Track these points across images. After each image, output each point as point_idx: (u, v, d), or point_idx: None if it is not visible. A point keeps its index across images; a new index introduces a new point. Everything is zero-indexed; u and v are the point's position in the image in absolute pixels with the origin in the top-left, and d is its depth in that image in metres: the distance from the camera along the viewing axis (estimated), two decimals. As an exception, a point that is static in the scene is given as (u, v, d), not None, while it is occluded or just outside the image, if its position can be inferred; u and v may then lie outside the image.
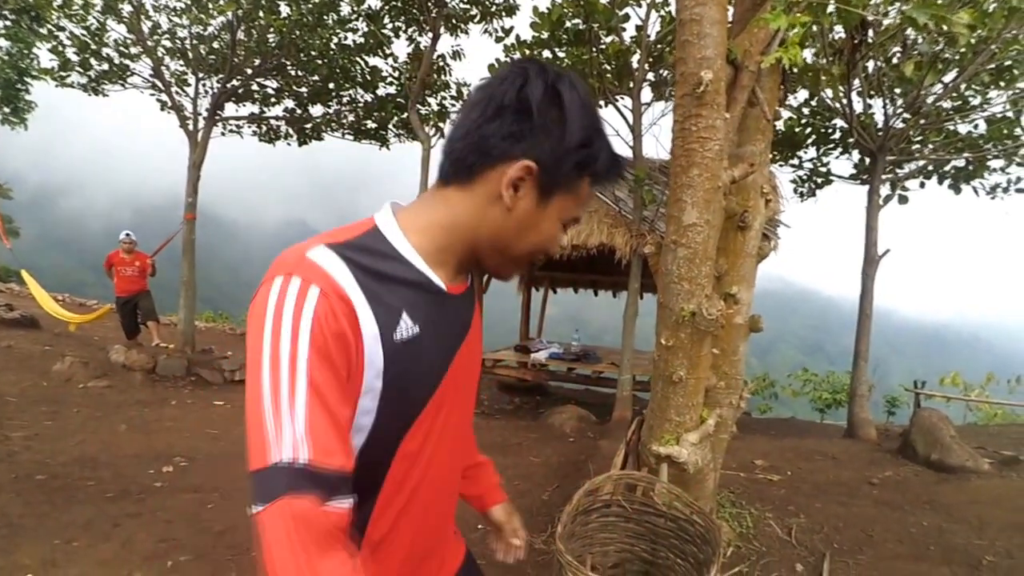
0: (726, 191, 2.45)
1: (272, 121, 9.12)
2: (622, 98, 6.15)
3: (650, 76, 6.11)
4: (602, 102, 6.23)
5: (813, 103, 7.00)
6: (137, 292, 8.23)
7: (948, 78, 5.94)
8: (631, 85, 5.94)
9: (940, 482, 4.34)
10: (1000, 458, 5.05)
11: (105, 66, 7.83)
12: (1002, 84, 6.12)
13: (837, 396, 11.01)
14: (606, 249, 6.42)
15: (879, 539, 3.34)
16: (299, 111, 8.98)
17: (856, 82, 5.90)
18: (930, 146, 6.94)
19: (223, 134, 8.95)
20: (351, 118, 9.05)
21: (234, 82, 8.19)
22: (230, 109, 8.72)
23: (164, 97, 8.25)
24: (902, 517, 3.65)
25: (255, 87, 8.58)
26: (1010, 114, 6.42)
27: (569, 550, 2.08)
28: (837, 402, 10.95)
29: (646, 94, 6.11)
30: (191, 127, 8.26)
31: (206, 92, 8.34)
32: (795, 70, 2.91)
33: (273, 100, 8.84)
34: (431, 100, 8.78)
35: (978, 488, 4.15)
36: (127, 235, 8.09)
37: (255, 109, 8.92)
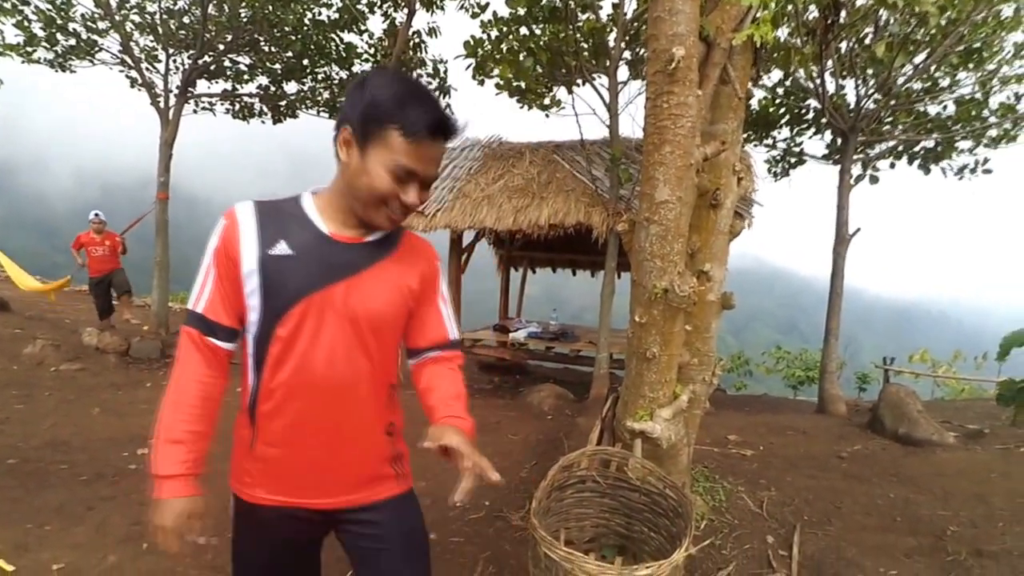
0: (698, 169, 2.47)
1: (245, 98, 8.89)
2: (599, 76, 6.10)
3: (627, 55, 6.08)
4: (579, 80, 6.19)
5: (787, 83, 7.03)
6: (110, 271, 8.21)
7: (919, 59, 6.00)
8: (607, 64, 5.91)
9: (907, 455, 4.44)
10: (965, 431, 5.19)
11: (72, 41, 7.54)
12: (971, 66, 6.20)
13: (809, 373, 11.22)
14: (583, 228, 6.41)
15: (847, 511, 3.42)
16: (273, 88, 8.76)
17: (829, 63, 5.93)
18: (900, 127, 7.02)
19: (195, 112, 8.69)
20: (326, 95, 8.83)
21: (206, 58, 7.97)
22: (202, 86, 8.48)
23: (134, 74, 7.99)
24: (869, 489, 3.74)
25: (227, 63, 8.34)
26: (979, 96, 6.51)
27: (544, 526, 2.10)
28: (809, 379, 11.16)
29: (623, 72, 6.08)
30: (162, 104, 8.04)
31: (177, 68, 8.11)
32: (767, 48, 2.91)
33: (246, 77, 8.59)
34: None
35: (943, 461, 4.25)
36: (96, 215, 8.06)
37: (228, 86, 8.68)
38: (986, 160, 7.20)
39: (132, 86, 8.17)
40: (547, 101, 6.62)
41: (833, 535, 3.13)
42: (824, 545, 3.01)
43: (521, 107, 6.68)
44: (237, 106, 8.97)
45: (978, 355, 10.89)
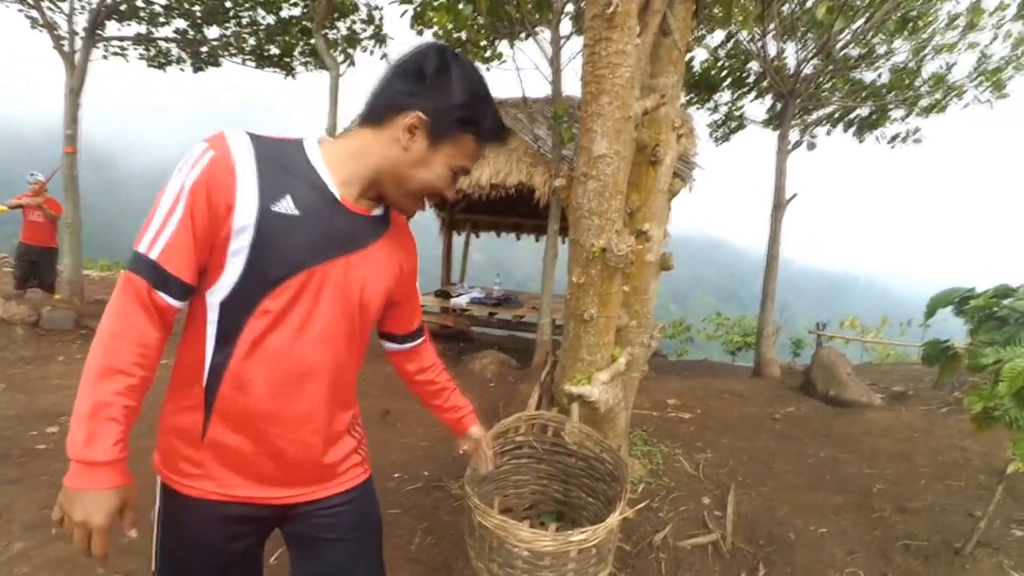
0: (637, 122, 2.34)
1: (161, 43, 8.07)
2: (542, 30, 5.87)
3: (570, 7, 5.85)
4: (522, 35, 5.95)
5: (729, 45, 7.00)
6: (43, 247, 7.24)
7: (857, 25, 6.05)
8: (550, 17, 5.68)
9: (837, 416, 4.58)
10: (891, 393, 5.41)
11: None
12: (906, 33, 6.30)
13: (747, 339, 11.47)
14: (525, 188, 6.23)
15: (779, 471, 3.47)
16: (192, 33, 7.97)
17: (771, 25, 5.91)
18: (838, 94, 7.13)
19: (105, 57, 7.89)
20: (252, 42, 8.14)
21: (115, -4, 7.15)
22: (113, 29, 7.63)
23: (34, 13, 7.12)
24: (801, 449, 3.82)
25: (140, 3, 7.51)
26: (912, 65, 6.65)
27: (479, 494, 2.01)
28: (747, 344, 11.41)
29: (566, 27, 5.83)
30: (67, 48, 7.19)
31: (83, 8, 7.24)
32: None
33: (162, 19, 7.78)
34: (340, 24, 7.95)
35: (870, 421, 4.40)
36: (33, 176, 7.09)
37: (142, 29, 7.84)
38: (917, 129, 7.42)
39: (33, 27, 7.29)
40: (488, 54, 6.35)
41: (766, 495, 3.17)
42: (758, 505, 3.05)
43: (465, 62, 6.39)
44: (152, 51, 8.15)
45: (903, 321, 11.37)
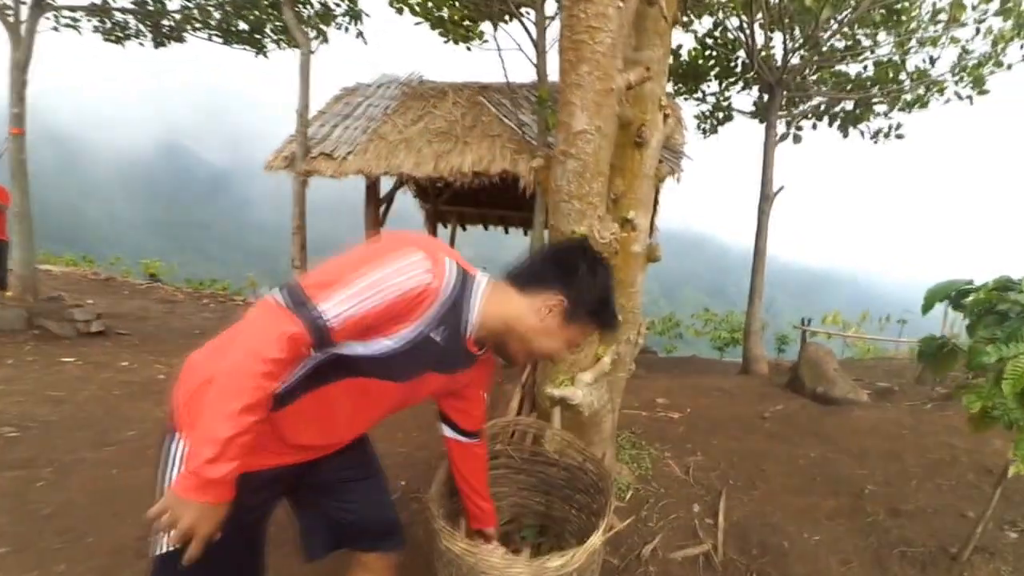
0: (620, 97, 2.14)
1: (118, 15, 7.48)
2: (527, 13, 5.64)
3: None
4: (506, 17, 5.72)
5: (716, 34, 6.87)
6: None
7: (844, 15, 5.95)
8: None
9: (825, 414, 4.45)
10: (876, 388, 5.31)
11: None
12: (890, 25, 6.22)
13: (735, 335, 11.49)
14: (509, 177, 5.97)
15: (771, 473, 3.32)
16: (152, 4, 7.44)
17: (759, 14, 5.79)
18: (820, 87, 7.05)
19: (55, 29, 7.30)
20: (218, 16, 7.61)
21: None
22: None
23: None
24: (791, 450, 3.67)
25: None
26: (896, 58, 6.57)
27: (448, 511, 1.80)
28: (735, 340, 11.43)
29: (551, 7, 5.60)
30: (11, 18, 6.62)
31: None
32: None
33: None
34: (313, 0, 7.54)
35: (858, 418, 4.28)
36: None
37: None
38: (899, 125, 7.35)
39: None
40: (469, 35, 6.11)
41: (758, 499, 3.01)
42: (749, 511, 2.89)
43: (446, 41, 6.13)
44: (108, 24, 7.54)
45: (882, 317, 11.43)
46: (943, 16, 6.15)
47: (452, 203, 9.94)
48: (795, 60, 6.37)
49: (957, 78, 6.51)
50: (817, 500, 3.01)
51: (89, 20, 7.45)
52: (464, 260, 1.33)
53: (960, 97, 6.67)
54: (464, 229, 11.04)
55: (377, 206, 7.50)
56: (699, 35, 7.03)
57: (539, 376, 2.64)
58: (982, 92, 6.55)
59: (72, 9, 7.23)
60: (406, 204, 9.60)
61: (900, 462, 3.48)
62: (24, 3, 6.65)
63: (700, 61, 7.21)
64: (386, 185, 7.68)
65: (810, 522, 2.79)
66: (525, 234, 10.34)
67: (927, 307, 2.30)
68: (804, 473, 3.34)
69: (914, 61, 6.67)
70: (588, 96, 1.97)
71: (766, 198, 6.62)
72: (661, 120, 2.57)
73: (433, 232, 10.28)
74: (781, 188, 6.63)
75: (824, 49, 6.35)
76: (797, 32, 6.29)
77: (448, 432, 1.68)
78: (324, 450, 1.37)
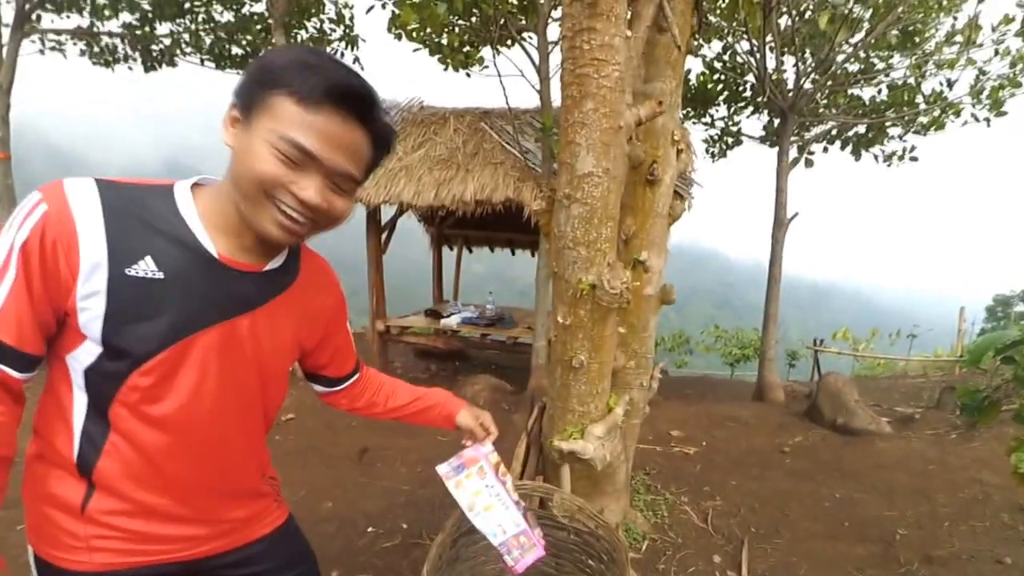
0: (630, 135, 2.01)
1: (106, 38, 7.35)
2: (529, 37, 5.54)
3: (556, 13, 5.54)
4: (508, 42, 5.63)
5: (725, 57, 6.78)
6: None
7: (858, 38, 5.86)
8: (535, 21, 5.35)
9: (846, 446, 4.29)
10: (897, 416, 5.15)
11: None
12: (908, 47, 6.12)
13: (745, 351, 11.42)
14: (513, 205, 5.84)
15: (794, 517, 3.15)
16: (140, 28, 7.26)
17: (769, 37, 5.69)
18: (832, 111, 6.93)
19: (41, 52, 7.16)
20: (208, 40, 7.49)
21: (51, -16, 6.56)
22: (50, 21, 6.98)
23: None
24: (814, 489, 3.50)
25: None
26: (911, 81, 6.45)
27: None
28: (745, 356, 11.37)
29: (553, 31, 5.49)
30: None
31: None
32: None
33: (107, 12, 7.05)
34: (308, 24, 7.43)
35: (882, 451, 4.12)
36: None
37: (85, 23, 7.15)
38: (913, 147, 7.21)
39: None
40: (469, 60, 6.01)
41: (783, 548, 2.85)
42: (774, 562, 2.73)
43: (445, 69, 6.04)
44: (96, 47, 7.43)
45: (892, 332, 11.28)
46: (959, 38, 6.04)
47: (457, 227, 9.80)
48: (807, 85, 6.26)
49: (974, 101, 6.39)
50: (846, 548, 2.85)
51: (75, 43, 7.36)
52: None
53: (977, 119, 6.54)
54: (471, 251, 10.87)
55: (379, 233, 7.37)
56: (707, 59, 6.93)
57: (545, 425, 2.50)
58: (1000, 114, 6.42)
59: (57, 32, 7.13)
60: (410, 226, 9.48)
61: (930, 501, 3.33)
62: (6, 26, 6.56)
63: (708, 86, 7.10)
64: (388, 211, 7.57)
65: (840, 573, 2.64)
66: (533, 255, 10.20)
67: (974, 359, 2.17)
68: (830, 516, 3.18)
69: (931, 84, 6.54)
70: (594, 135, 1.84)
71: (780, 225, 6.47)
72: (674, 156, 2.44)
73: (438, 256, 10.15)
74: (795, 215, 6.48)
75: (838, 72, 6.23)
76: (808, 56, 6.19)
77: (324, 389, 1.32)
78: (181, 533, 1.04)
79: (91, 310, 0.86)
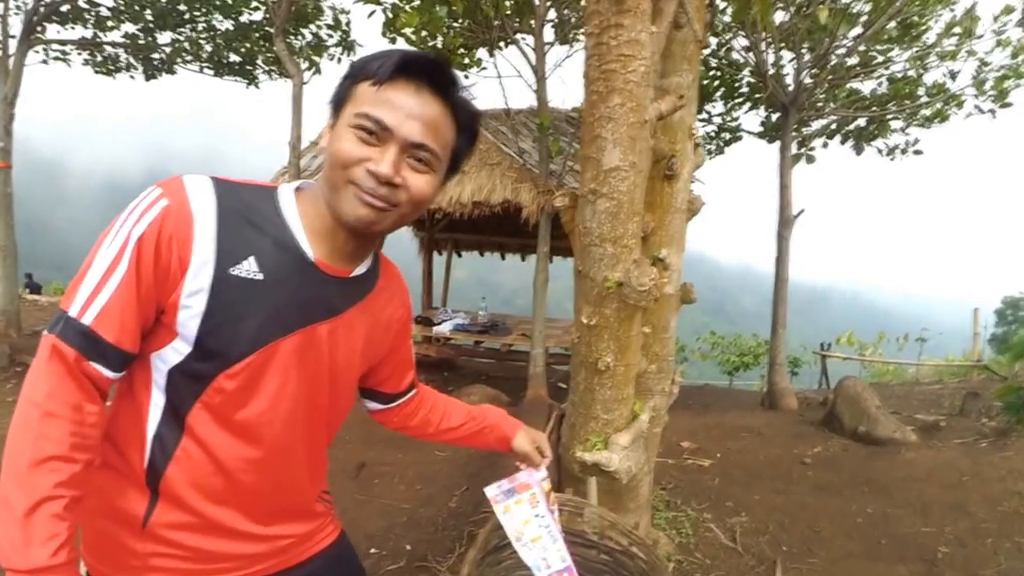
0: (653, 129, 1.89)
1: (108, 48, 7.45)
2: (524, 38, 5.45)
3: (552, 15, 5.44)
4: (502, 43, 5.53)
5: (720, 55, 6.68)
6: None
7: (857, 31, 5.78)
8: (532, 22, 5.26)
9: (871, 456, 4.11)
10: (921, 424, 4.94)
11: None
12: (906, 40, 6.04)
13: (744, 359, 11.12)
14: (511, 207, 5.74)
15: (827, 535, 2.97)
16: (143, 38, 7.35)
17: (767, 34, 5.61)
18: (831, 105, 6.84)
19: (45, 62, 7.25)
20: (209, 49, 7.56)
21: (56, -4, 6.58)
22: (54, 32, 7.03)
23: None
24: (844, 505, 3.32)
25: (84, 3, 6.90)
26: (912, 74, 6.36)
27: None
28: (744, 364, 11.07)
29: (549, 33, 5.40)
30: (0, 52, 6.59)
31: (18, 8, 6.61)
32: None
33: (110, 23, 7.14)
34: (305, 31, 7.44)
35: (910, 462, 3.95)
36: None
37: (87, 33, 7.20)
38: (916, 140, 7.12)
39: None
40: (467, 62, 5.90)
41: (819, 569, 2.68)
42: (810, 583, 2.53)
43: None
44: (99, 57, 7.50)
45: (900, 336, 11.08)
46: (958, 30, 5.96)
47: (448, 230, 9.63)
48: (807, 79, 6.16)
49: (978, 92, 6.30)
50: (886, 568, 2.68)
51: (79, 53, 7.40)
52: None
53: (981, 111, 6.45)
54: (459, 255, 10.68)
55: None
56: (702, 55, 6.85)
57: (565, 435, 2.33)
58: (1004, 105, 6.33)
59: (62, 43, 7.18)
60: (396, 231, 9.38)
61: (969, 516, 3.15)
62: (13, 37, 6.58)
63: (704, 82, 6.99)
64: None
65: (883, 597, 2.47)
66: (523, 260, 10.01)
67: (1015, 358, 2.03)
68: (865, 534, 3.00)
69: (933, 76, 6.47)
70: (621, 130, 1.73)
71: (785, 223, 6.33)
72: (692, 150, 2.31)
73: (428, 261, 9.95)
74: (801, 211, 6.35)
75: (837, 66, 6.14)
76: (806, 50, 6.11)
77: (378, 406, 1.25)
78: (243, 550, 1.00)
79: (192, 308, 0.85)
